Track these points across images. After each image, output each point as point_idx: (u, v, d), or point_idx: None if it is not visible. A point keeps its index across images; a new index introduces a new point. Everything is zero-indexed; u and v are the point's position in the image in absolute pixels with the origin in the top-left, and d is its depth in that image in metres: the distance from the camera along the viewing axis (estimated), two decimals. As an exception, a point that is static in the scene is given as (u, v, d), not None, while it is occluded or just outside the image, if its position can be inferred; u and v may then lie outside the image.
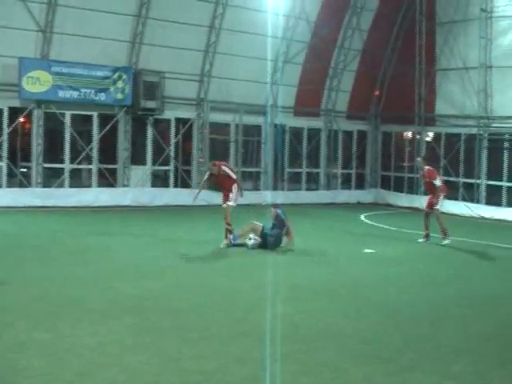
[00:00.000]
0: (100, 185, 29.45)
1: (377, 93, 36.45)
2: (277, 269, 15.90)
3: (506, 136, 30.99)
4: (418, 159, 23.01)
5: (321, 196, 34.63)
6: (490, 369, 8.98)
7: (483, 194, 31.22)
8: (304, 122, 34.83)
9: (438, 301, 13.17)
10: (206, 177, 20.27)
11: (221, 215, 19.41)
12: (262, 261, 17.14)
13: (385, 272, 16.27)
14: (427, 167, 21.85)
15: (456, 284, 15.11)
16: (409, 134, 36.21)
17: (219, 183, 19.82)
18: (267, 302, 12.12)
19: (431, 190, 21.52)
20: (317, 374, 8.57)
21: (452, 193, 32.00)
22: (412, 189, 34.56)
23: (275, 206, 19.90)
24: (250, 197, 29.89)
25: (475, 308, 12.74)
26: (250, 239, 18.59)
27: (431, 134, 34.93)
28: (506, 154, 30.74)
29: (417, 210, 31.03)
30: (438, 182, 21.20)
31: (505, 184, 30.61)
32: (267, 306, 11.80)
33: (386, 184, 36.78)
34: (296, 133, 34.71)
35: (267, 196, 31.52)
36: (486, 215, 29.71)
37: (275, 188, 33.36)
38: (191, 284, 13.86)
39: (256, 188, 33.06)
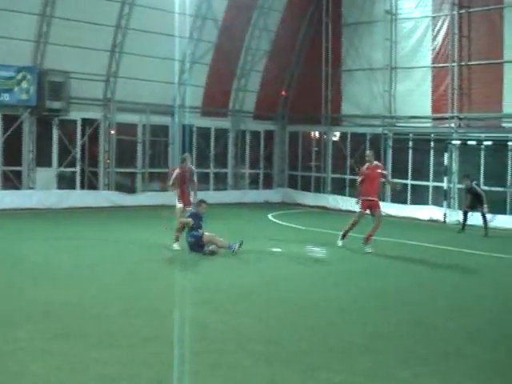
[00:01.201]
0: (4, 187, 28.74)
1: (283, 93, 36.69)
2: (187, 272, 15.88)
3: (410, 135, 31.63)
4: (368, 152, 21.05)
5: (229, 196, 34.60)
6: (395, 365, 9.15)
7: (389, 192, 31.79)
8: (211, 123, 34.84)
9: (343, 299, 13.39)
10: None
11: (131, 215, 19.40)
12: (171, 263, 17.08)
13: (291, 271, 16.42)
14: (375, 161, 20.64)
15: (362, 281, 15.35)
16: (316, 134, 36.63)
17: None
18: (177, 306, 12.10)
19: (374, 185, 20.10)
20: (225, 375, 8.59)
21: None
22: (319, 188, 34.98)
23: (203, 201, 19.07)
24: (158, 198, 30.02)
25: (378, 305, 12.96)
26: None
27: (338, 134, 35.40)
28: (410, 153, 31.38)
29: (324, 208, 31.59)
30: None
31: (410, 182, 31.27)
32: (176, 310, 11.78)
33: (293, 183, 37.07)
34: (203, 133, 34.65)
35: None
36: (392, 213, 30.22)
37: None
38: (100, 290, 13.65)
39: (164, 189, 32.83)
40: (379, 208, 20.14)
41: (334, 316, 11.89)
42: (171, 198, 28.47)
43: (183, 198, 19.36)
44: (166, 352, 9.30)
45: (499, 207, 27.74)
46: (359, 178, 20.32)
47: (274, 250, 19.41)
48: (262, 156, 37.14)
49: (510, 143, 27.95)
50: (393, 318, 11.89)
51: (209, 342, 9.93)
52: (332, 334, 10.67)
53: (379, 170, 20.43)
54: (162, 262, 17.35)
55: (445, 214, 28.79)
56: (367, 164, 20.34)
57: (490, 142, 28.51)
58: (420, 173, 31.12)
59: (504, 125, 28.71)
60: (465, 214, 25.61)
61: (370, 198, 19.84)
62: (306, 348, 9.84)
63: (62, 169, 30.18)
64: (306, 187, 36.21)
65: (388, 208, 30.51)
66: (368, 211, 20.02)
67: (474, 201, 25.34)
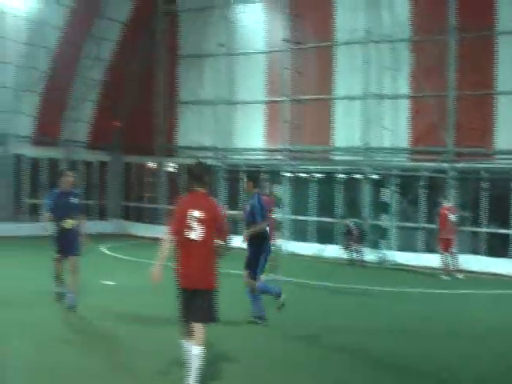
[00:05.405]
0: None
1: (116, 123, 36.23)
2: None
3: (243, 167, 31.97)
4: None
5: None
6: None
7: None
8: (42, 152, 33.90)
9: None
10: None
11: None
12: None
13: (121, 303, 16.09)
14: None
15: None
16: (151, 165, 36.43)
17: None
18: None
19: None
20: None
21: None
22: (153, 219, 34.72)
23: None
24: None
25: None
26: None
27: (173, 165, 35.35)
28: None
29: (158, 240, 31.24)
30: None
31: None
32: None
33: (127, 214, 36.69)
34: (35, 163, 33.71)
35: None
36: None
37: (16, 220, 32.11)
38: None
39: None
40: None
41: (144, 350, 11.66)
42: None
43: None
44: None
45: (329, 238, 28.65)
46: None
47: (106, 282, 19.03)
48: (96, 186, 36.47)
49: (338, 176, 28.80)
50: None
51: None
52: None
53: None
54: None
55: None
56: None
57: (319, 174, 29.32)
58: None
59: (332, 157, 29.64)
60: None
61: None
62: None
63: None
64: (140, 218, 35.93)
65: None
66: None
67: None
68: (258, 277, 13.66)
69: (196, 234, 9.19)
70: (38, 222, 27.53)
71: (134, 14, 34.61)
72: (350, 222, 26.95)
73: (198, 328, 9.16)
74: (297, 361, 11.39)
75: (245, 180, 15.54)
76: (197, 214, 9.18)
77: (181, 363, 9.49)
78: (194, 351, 8.96)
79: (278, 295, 14.02)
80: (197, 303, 9.16)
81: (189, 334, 9.22)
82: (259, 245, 13.75)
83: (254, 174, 14.43)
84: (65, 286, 14.79)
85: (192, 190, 9.56)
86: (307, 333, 13.64)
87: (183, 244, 9.27)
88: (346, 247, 26.77)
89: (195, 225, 9.18)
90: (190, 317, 9.20)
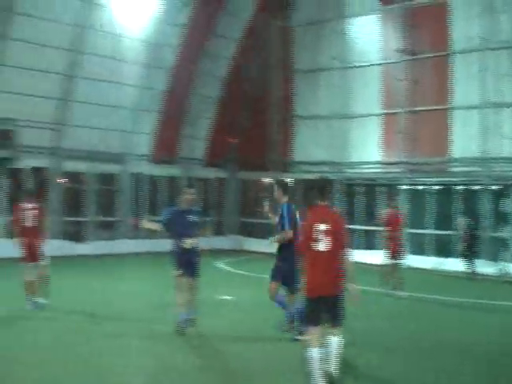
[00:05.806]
0: None
1: (234, 140, 36.63)
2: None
3: (359, 181, 31.75)
4: None
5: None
6: None
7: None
8: (161, 170, 34.61)
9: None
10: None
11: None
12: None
13: (240, 319, 16.09)
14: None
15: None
16: (266, 180, 36.55)
17: None
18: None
19: None
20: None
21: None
22: (269, 235, 34.76)
23: None
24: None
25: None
26: None
27: (290, 180, 35.31)
28: (359, 199, 31.42)
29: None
30: None
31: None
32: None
33: (244, 230, 36.92)
34: (153, 181, 34.41)
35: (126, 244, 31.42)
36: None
37: (136, 237, 32.80)
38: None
39: (113, 237, 32.44)
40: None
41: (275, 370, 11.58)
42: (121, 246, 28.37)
43: None
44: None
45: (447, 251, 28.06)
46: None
47: (224, 297, 19.09)
48: (213, 203, 36.91)
49: (456, 187, 28.23)
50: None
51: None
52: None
53: None
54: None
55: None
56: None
57: (437, 186, 28.82)
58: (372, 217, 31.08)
59: (450, 169, 29.07)
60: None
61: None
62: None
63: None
64: (257, 234, 36.06)
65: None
66: None
67: None
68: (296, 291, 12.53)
69: (323, 245, 9.54)
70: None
71: (248, 30, 34.98)
72: (465, 221, 26.30)
73: (333, 331, 9.63)
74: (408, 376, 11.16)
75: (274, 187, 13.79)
76: (323, 227, 9.56)
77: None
78: (334, 340, 9.55)
79: (291, 320, 13.22)
80: (328, 309, 9.54)
81: (315, 340, 9.44)
82: (292, 256, 12.54)
83: (284, 181, 13.39)
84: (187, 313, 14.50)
85: (314, 204, 9.86)
86: (417, 347, 13.29)
87: (312, 256, 9.59)
88: (464, 256, 25.99)
89: (322, 236, 9.54)
90: (323, 322, 9.54)
